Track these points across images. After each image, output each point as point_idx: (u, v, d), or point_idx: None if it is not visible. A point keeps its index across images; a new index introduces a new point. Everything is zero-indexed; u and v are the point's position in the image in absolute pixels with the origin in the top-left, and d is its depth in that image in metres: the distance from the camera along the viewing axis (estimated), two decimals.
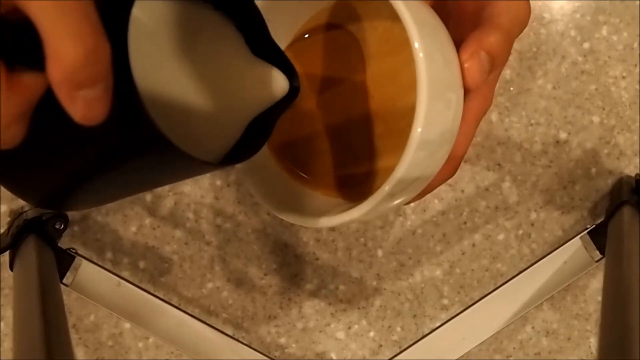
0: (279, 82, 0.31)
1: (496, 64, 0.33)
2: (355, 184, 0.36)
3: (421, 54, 0.29)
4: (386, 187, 0.30)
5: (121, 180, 0.27)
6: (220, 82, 0.29)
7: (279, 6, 0.36)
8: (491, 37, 0.32)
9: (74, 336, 0.68)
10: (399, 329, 0.68)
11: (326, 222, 0.33)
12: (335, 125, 0.36)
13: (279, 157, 0.38)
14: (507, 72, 0.64)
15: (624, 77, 0.64)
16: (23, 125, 0.23)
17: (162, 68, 0.27)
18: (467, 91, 0.32)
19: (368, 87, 0.35)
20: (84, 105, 0.22)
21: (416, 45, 0.29)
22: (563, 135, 0.65)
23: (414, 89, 0.32)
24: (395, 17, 0.32)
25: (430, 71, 0.29)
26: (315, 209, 0.35)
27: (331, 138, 0.36)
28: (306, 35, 0.37)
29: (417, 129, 0.29)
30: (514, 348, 0.68)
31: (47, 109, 0.23)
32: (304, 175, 0.37)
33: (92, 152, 0.26)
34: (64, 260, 0.62)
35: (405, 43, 0.33)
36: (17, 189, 0.29)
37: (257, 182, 0.36)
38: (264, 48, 0.32)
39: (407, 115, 0.32)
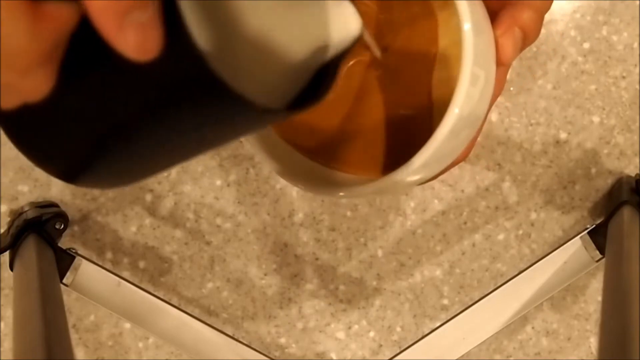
0: (353, 21, 0.26)
1: (528, 41, 0.33)
2: (377, 160, 0.36)
3: (469, 25, 0.28)
4: (416, 161, 0.30)
5: (167, 138, 0.22)
6: (289, 16, 0.24)
7: None
8: (524, 14, 0.32)
9: (74, 336, 0.68)
10: (399, 329, 0.68)
11: (353, 192, 0.32)
12: (353, 100, 0.36)
13: (289, 139, 0.37)
14: None
15: (624, 77, 0.64)
16: (52, 69, 0.18)
17: None
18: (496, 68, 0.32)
19: (392, 58, 0.34)
20: (137, 34, 0.17)
21: (466, 26, 0.29)
22: (563, 135, 0.65)
23: (439, 63, 0.32)
24: None
25: (475, 48, 0.29)
26: (336, 183, 0.35)
27: (350, 114, 0.36)
28: None
29: (455, 109, 0.29)
30: (514, 348, 0.68)
31: (79, 48, 0.19)
32: (319, 157, 0.37)
33: (134, 100, 0.21)
34: (64, 260, 0.62)
35: (428, 16, 0.32)
36: (42, 157, 0.23)
37: (278, 163, 0.35)
38: None
39: (436, 88, 0.32)
